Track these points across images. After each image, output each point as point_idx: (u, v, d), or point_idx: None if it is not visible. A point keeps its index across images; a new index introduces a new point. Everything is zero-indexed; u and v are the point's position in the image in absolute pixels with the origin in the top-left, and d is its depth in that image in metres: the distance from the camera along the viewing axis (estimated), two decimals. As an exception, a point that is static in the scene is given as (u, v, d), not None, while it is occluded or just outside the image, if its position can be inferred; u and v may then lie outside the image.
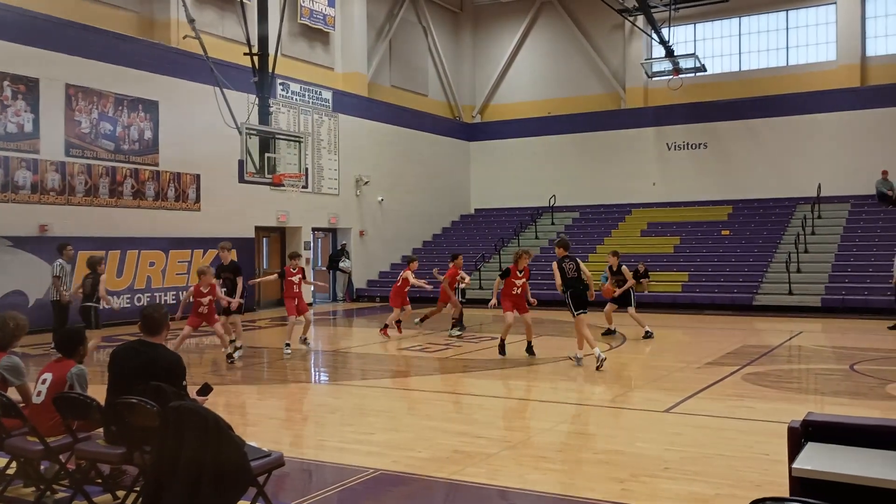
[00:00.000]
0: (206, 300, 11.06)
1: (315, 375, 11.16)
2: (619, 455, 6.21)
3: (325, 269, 24.17)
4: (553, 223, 26.52)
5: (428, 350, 12.78)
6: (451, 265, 15.29)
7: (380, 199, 25.09)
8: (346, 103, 23.76)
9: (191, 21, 15.71)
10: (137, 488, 4.88)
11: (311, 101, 22.51)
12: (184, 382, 4.89)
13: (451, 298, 14.94)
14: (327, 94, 23.12)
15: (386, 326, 14.43)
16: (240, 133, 15.16)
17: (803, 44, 25.01)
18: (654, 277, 21.12)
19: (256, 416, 8.21)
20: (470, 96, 30.13)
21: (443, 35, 29.14)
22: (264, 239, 22.00)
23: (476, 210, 29.51)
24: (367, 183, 24.42)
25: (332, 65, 24.44)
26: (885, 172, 22.47)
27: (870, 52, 23.97)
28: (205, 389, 5.04)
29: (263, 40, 16.14)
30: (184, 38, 17.20)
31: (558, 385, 9.83)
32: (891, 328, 14.73)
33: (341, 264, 23.46)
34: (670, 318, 17.94)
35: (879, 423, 3.45)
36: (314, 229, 23.26)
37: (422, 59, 28.28)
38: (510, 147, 28.54)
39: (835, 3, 24.17)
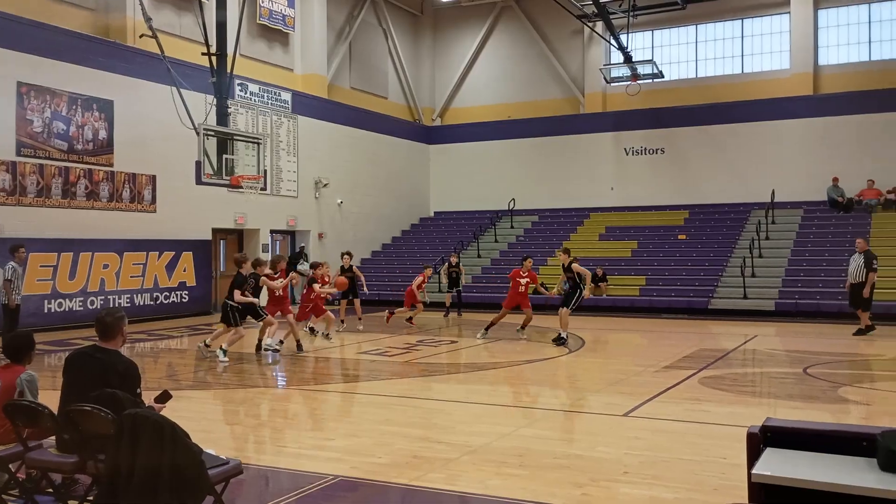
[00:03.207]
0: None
1: (274, 380, 11.03)
2: (579, 460, 6.24)
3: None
4: (512, 226, 26.64)
5: (388, 354, 12.71)
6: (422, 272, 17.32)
7: (339, 201, 24.95)
8: (305, 105, 23.59)
9: (147, 20, 15.44)
10: (90, 498, 4.76)
11: (269, 102, 22.29)
12: (139, 390, 4.78)
13: (418, 300, 16.77)
14: (286, 96, 22.92)
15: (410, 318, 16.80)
16: (197, 134, 14.93)
17: (758, 52, 25.50)
18: (612, 281, 21.34)
19: (214, 423, 8.08)
20: (430, 99, 30.14)
21: (403, 37, 29.11)
22: (221, 241, 21.71)
23: (436, 213, 29.50)
24: (326, 185, 24.26)
25: (292, 66, 24.24)
26: (835, 179, 23.00)
27: (822, 61, 24.53)
28: (163, 397, 4.94)
29: (221, 40, 15.94)
30: (140, 37, 16.89)
31: (519, 389, 9.86)
32: (855, 334, 14.93)
33: (300, 267, 23.23)
34: (628, 321, 18.13)
35: (837, 429, 3.50)
36: (272, 231, 23.03)
37: (382, 62, 28.21)
38: (470, 150, 28.60)
39: (788, 12, 24.69)
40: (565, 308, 13.56)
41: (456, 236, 26.48)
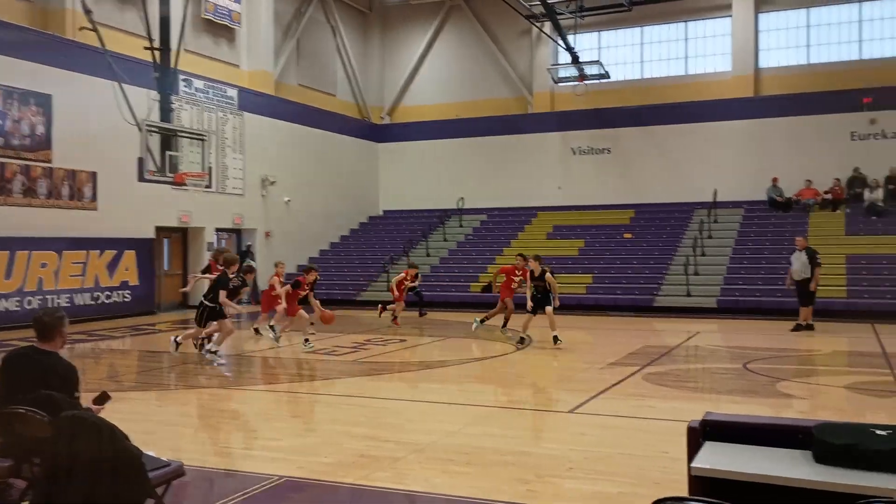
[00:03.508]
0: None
1: (219, 380, 10.86)
2: (525, 456, 6.28)
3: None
4: (461, 225, 26.71)
5: (336, 353, 12.63)
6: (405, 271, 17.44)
7: (286, 199, 24.69)
8: (251, 101, 23.28)
9: (87, 12, 15.07)
10: (25, 503, 4.62)
11: (215, 98, 21.94)
12: (77, 393, 4.66)
13: (399, 298, 16.99)
14: (232, 92, 22.59)
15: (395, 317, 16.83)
16: (140, 130, 14.64)
17: (701, 54, 26.01)
18: (559, 279, 21.38)
19: (156, 424, 7.92)
20: (379, 97, 30.02)
21: (351, 35, 28.94)
22: (165, 240, 21.28)
23: (384, 212, 29.41)
24: (273, 183, 23.99)
25: (238, 62, 23.90)
26: (775, 179, 23.59)
27: (762, 64, 25.13)
28: (101, 398, 4.82)
29: (165, 35, 15.64)
30: (80, 29, 16.48)
31: (467, 387, 9.88)
32: (793, 330, 15.36)
33: (250, 262, 22.95)
34: (575, 319, 18.31)
35: (773, 423, 3.59)
36: (218, 230, 22.67)
37: (330, 59, 28.00)
38: (419, 149, 28.58)
39: (730, 16, 25.24)
40: (550, 307, 13.12)
41: (405, 235, 26.43)
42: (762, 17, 25.08)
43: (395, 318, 16.98)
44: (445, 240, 25.79)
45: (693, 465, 3.15)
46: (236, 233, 23.64)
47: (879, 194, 22.21)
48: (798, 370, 11.28)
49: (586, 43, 26.50)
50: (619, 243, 23.42)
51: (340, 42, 28.22)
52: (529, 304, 13.22)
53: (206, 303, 11.65)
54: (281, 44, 25.34)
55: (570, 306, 20.23)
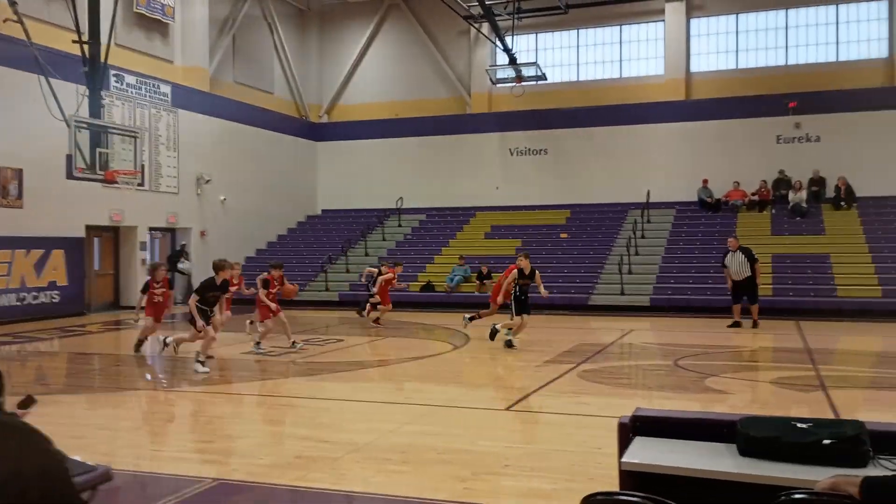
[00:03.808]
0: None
1: (151, 382, 10.63)
2: (462, 454, 6.32)
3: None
4: (400, 225, 26.69)
5: (272, 354, 12.48)
6: (391, 270, 16.89)
7: (222, 198, 24.29)
8: (186, 98, 22.83)
9: (12, 3, 14.58)
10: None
11: (148, 94, 21.45)
12: (1, 397, 4.50)
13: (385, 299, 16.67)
14: (166, 88, 22.12)
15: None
16: (68, 126, 14.22)
17: (635, 58, 26.53)
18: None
19: (85, 428, 7.70)
20: (317, 96, 29.77)
21: (289, 32, 28.62)
22: (96, 239, 20.72)
23: (323, 211, 29.19)
24: (208, 181, 23.57)
25: (172, 57, 23.40)
26: (705, 181, 24.23)
27: (693, 68, 25.77)
28: (26, 402, 4.66)
29: (95, 28, 15.22)
30: (4, 21, 15.91)
31: (404, 386, 9.89)
32: (730, 326, 15.82)
33: (180, 265, 22.49)
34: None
35: (700, 417, 3.69)
36: (151, 229, 22.17)
37: (267, 56, 27.64)
38: (358, 148, 28.46)
39: (663, 20, 25.80)
40: (527, 315, 13.12)
41: (344, 234, 26.28)
42: (693, 22, 25.72)
43: (378, 319, 16.67)
44: (384, 239, 25.74)
45: (623, 459, 3.22)
46: (170, 232, 23.17)
47: (803, 196, 23.02)
48: (726, 366, 11.60)
49: (524, 44, 26.77)
50: (555, 243, 23.73)
51: (277, 39, 27.89)
52: (500, 301, 13.34)
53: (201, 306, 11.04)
54: (216, 40, 24.91)
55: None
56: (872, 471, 2.90)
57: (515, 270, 13.12)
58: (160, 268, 13.07)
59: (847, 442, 3.04)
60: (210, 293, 10.89)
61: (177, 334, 12.12)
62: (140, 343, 12.43)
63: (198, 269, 23.36)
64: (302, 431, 7.26)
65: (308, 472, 5.85)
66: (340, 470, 5.92)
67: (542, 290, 13.40)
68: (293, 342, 12.55)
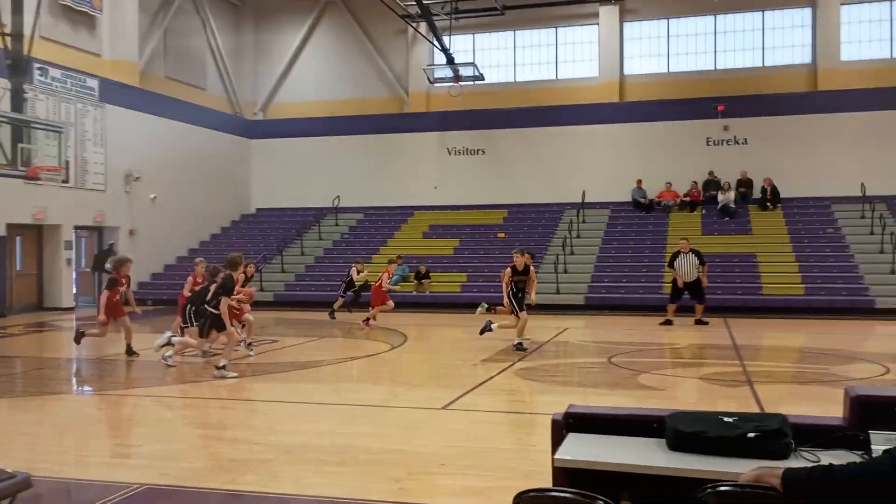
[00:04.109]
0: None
1: (77, 386, 10.29)
2: (397, 454, 6.29)
3: (89, 270, 22.44)
4: (337, 224, 26.48)
5: (203, 356, 12.21)
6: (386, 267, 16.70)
7: (152, 196, 23.71)
8: (114, 93, 22.20)
9: (-72, -9, 13.95)
10: None
11: (74, 88, 20.78)
12: None
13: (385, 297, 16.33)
14: (93, 83, 21.47)
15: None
16: (-12, 120, 13.68)
17: (570, 60, 26.87)
18: (434, 278, 21.74)
19: (6, 434, 7.41)
20: (252, 92, 29.30)
21: (223, 27, 28.09)
22: (17, 238, 19.98)
23: (258, 209, 28.76)
24: (137, 179, 22.98)
25: (99, 51, 22.72)
26: (639, 181, 24.71)
27: (627, 71, 26.25)
28: None
29: (17, 19, 14.68)
30: (-81, 9, 15.25)
31: (339, 387, 9.80)
32: (662, 324, 16.17)
33: (107, 266, 21.82)
34: (449, 317, 18.55)
35: (631, 413, 3.74)
36: (77, 228, 21.50)
37: (200, 51, 27.09)
38: (294, 146, 28.12)
39: (597, 23, 26.20)
40: (524, 312, 12.62)
41: (279, 233, 25.95)
42: (627, 25, 26.18)
43: (368, 320, 16.13)
44: (321, 238, 25.50)
45: (556, 456, 3.24)
46: (98, 231, 22.51)
47: (731, 196, 23.67)
48: (657, 363, 11.84)
49: (461, 45, 26.84)
50: (492, 243, 23.87)
51: (211, 34, 27.36)
52: (506, 301, 12.61)
53: (210, 310, 10.48)
54: (147, 34, 24.29)
55: (444, 304, 20.51)
56: (794, 462, 2.97)
57: (510, 268, 12.73)
58: (126, 263, 12.14)
59: (770, 435, 3.12)
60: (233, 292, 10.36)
61: (183, 338, 11.53)
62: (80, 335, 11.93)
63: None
64: (234, 434, 7.12)
65: (240, 475, 5.74)
66: (273, 472, 5.82)
67: (532, 294, 12.95)
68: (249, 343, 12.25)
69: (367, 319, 16.08)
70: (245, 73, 29.12)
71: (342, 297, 19.11)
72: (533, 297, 13.02)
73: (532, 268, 13.02)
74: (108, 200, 22.03)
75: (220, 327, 10.35)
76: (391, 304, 16.57)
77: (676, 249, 16.95)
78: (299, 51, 28.86)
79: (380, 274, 16.84)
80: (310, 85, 28.76)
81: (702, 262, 16.50)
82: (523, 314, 12.58)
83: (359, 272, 18.89)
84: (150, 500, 5.32)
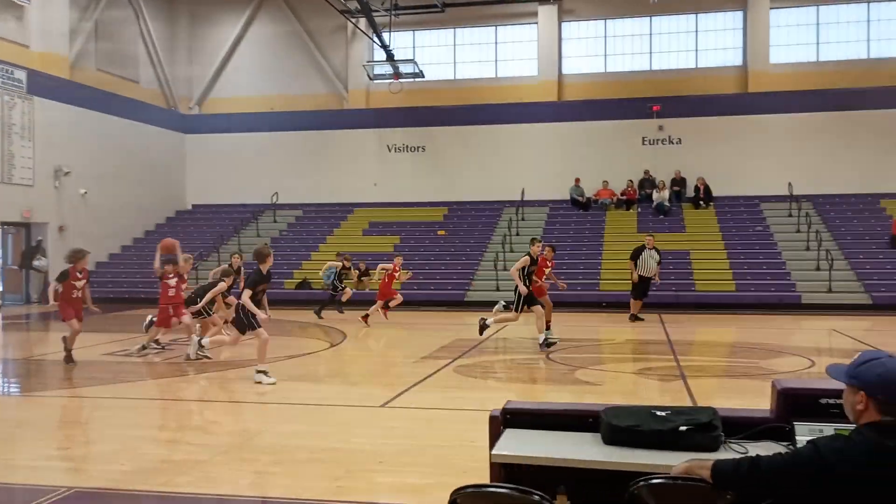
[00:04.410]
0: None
1: (2, 387, 9.94)
2: (335, 453, 6.25)
3: (17, 268, 21.70)
4: (275, 221, 26.17)
5: (135, 355, 11.93)
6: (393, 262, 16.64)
7: (83, 191, 23.02)
8: (43, 85, 21.49)
9: None
10: None
11: (0, 80, 20.04)
12: None
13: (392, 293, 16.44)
14: (20, 74, 20.74)
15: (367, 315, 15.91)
16: None
17: (510, 58, 27.06)
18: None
19: (-76, 439, 7.12)
20: (187, 87, 28.69)
21: (156, 19, 27.42)
22: (-61, 234, 19.22)
23: (193, 206, 28.19)
24: (67, 174, 22.28)
25: (27, 42, 21.95)
26: (577, 180, 25.04)
27: (565, 70, 26.55)
28: None
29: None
30: None
31: (277, 385, 9.68)
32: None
33: (35, 263, 21.18)
34: (389, 314, 18.47)
35: (567, 408, 3.79)
36: (3, 224, 20.77)
37: (133, 44, 26.39)
38: (231, 142, 27.64)
39: (536, 23, 26.44)
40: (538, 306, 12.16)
41: (216, 230, 25.50)
42: (565, 25, 26.49)
43: (366, 315, 15.93)
44: (259, 235, 25.15)
45: (493, 452, 3.26)
46: (25, 227, 21.76)
47: (666, 195, 24.18)
48: (594, 358, 12.03)
49: (401, 41, 26.76)
50: (433, 240, 23.90)
51: (144, 26, 26.68)
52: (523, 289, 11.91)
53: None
54: (77, 24, 23.56)
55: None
56: (723, 454, 3.06)
57: (527, 257, 12.21)
58: (84, 255, 11.21)
59: (701, 428, 3.20)
60: (260, 286, 9.81)
61: (216, 336, 11.25)
62: (69, 355, 11.02)
63: (56, 266, 22.12)
64: (166, 435, 6.97)
65: (174, 476, 5.62)
66: (208, 473, 5.72)
67: (551, 280, 13.07)
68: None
69: (367, 315, 15.99)
70: (180, 66, 28.48)
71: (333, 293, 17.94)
72: (546, 284, 13.20)
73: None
74: (36, 196, 21.32)
75: (251, 325, 9.65)
76: (399, 297, 16.66)
77: (641, 244, 17.25)
78: (236, 44, 28.38)
79: (386, 268, 16.70)
80: (247, 80, 28.31)
81: (659, 260, 16.93)
82: (538, 309, 12.15)
83: (345, 268, 18.27)
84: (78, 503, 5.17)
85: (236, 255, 15.20)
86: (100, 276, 22.93)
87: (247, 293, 9.47)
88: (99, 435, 7.06)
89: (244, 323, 9.63)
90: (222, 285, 12.16)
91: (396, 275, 16.78)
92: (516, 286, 12.12)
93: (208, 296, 11.91)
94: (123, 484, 5.47)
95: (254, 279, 9.69)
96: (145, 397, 8.98)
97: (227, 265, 12.07)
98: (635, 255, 17.01)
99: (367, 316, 16.10)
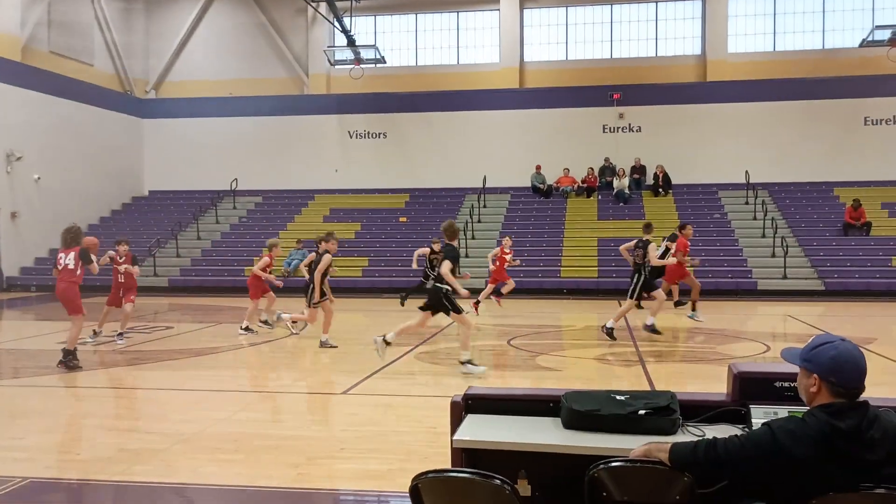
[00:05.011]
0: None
1: (-48, 377, 9.69)
2: (296, 440, 6.22)
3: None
4: (235, 207, 25.87)
5: (93, 343, 11.73)
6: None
7: (36, 177, 22.51)
8: (-7, 67, 20.92)
9: None
10: None
11: (-53, 61, 19.48)
12: None
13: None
14: (-31, 55, 20.16)
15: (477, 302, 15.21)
16: None
17: (472, 45, 27.02)
18: (336, 262, 21.44)
19: None
20: (144, 70, 28.13)
21: (112, 0, 26.79)
22: None
23: (150, 192, 27.73)
24: (19, 159, 21.76)
25: (-24, 22, 21.34)
26: (538, 167, 25.14)
27: (527, 57, 26.60)
28: None
29: None
30: None
31: (237, 374, 9.61)
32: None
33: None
34: (351, 301, 18.43)
35: (528, 393, 3.82)
36: (-47, 209, 20.24)
37: (87, 26, 25.77)
38: (189, 126, 27.21)
39: (498, 9, 26.42)
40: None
41: (173, 217, 25.12)
42: (527, 12, 26.51)
43: (477, 303, 15.31)
44: (218, 222, 24.87)
45: (455, 437, 3.27)
46: (-25, 213, 21.23)
47: (626, 182, 24.41)
48: (554, 344, 12.12)
49: (363, 27, 26.57)
50: (394, 227, 23.84)
51: (99, 7, 26.07)
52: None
53: (443, 286, 9.21)
54: (29, 5, 22.93)
55: (346, 289, 20.35)
56: (681, 437, 3.10)
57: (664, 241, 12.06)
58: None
59: (660, 412, 3.24)
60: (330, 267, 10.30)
61: (294, 314, 12.07)
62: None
63: (8, 254, 21.62)
64: (124, 424, 6.88)
65: (132, 465, 5.55)
66: (168, 462, 5.66)
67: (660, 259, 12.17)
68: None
69: (477, 302, 15.36)
70: (136, 48, 27.90)
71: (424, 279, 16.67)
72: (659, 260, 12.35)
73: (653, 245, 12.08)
74: (-14, 181, 20.79)
75: (454, 307, 9.26)
76: (512, 283, 15.99)
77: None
78: (194, 27, 27.88)
79: (497, 251, 16.04)
80: (205, 64, 27.85)
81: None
82: (660, 295, 12.24)
83: (434, 252, 16.35)
84: (34, 495, 5.07)
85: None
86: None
87: (447, 265, 9.05)
88: (54, 424, 6.93)
89: (446, 306, 9.23)
90: (328, 257, 11.41)
91: (507, 257, 16.01)
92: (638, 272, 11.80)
93: (318, 273, 11.33)
94: (80, 473, 5.38)
95: (454, 254, 9.28)
96: (102, 385, 8.84)
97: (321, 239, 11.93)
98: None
99: (477, 303, 15.43)
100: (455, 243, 9.45)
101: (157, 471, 5.45)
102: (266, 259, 13.10)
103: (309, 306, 11.53)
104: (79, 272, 9.47)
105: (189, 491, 5.16)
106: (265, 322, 13.20)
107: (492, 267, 16.11)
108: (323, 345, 11.14)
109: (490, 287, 16.08)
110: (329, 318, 11.42)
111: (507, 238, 16.65)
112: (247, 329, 12.65)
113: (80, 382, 9.05)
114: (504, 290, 16.28)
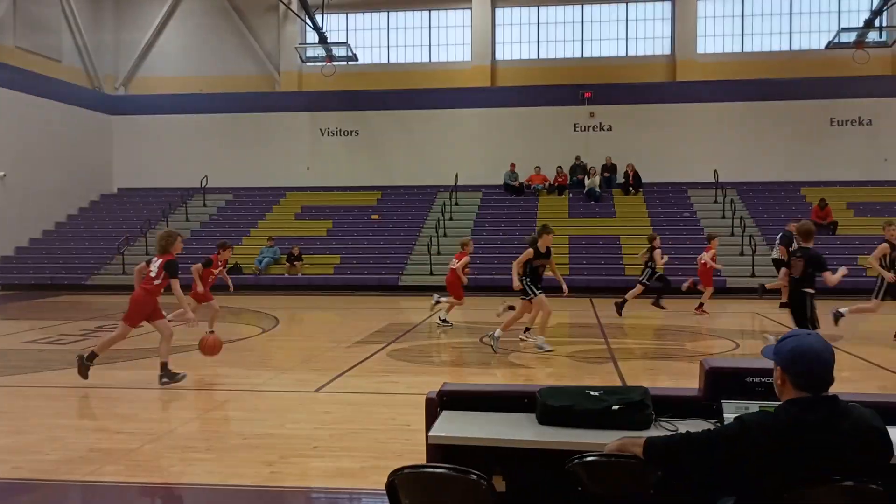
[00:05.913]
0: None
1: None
2: (269, 438, 6.19)
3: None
4: (205, 205, 25.64)
5: (61, 342, 11.59)
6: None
7: (1, 174, 22.13)
8: (-44, 62, 20.53)
9: None
10: None
11: None
12: None
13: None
14: (-68, 49, 19.76)
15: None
16: None
17: (444, 43, 27.02)
18: (307, 260, 21.44)
19: None
20: (112, 66, 27.76)
21: (79, -5, 26.41)
22: None
23: (119, 189, 27.40)
24: (-16, 155, 21.39)
25: (-61, 15, 20.92)
26: (512, 165, 25.23)
27: (499, 56, 26.67)
28: None
29: None
30: None
31: (208, 371, 9.52)
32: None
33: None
34: (323, 299, 18.37)
35: (502, 389, 3.85)
36: (-85, 207, 19.83)
37: (54, 21, 25.37)
38: (158, 123, 26.90)
39: (470, 8, 26.45)
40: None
41: (143, 214, 24.84)
42: (498, 11, 26.58)
43: (700, 305, 14.92)
44: (188, 220, 24.63)
45: (430, 433, 3.28)
46: (-62, 210, 20.82)
47: (596, 181, 24.58)
48: (527, 342, 12.15)
49: (334, 24, 26.47)
50: (366, 224, 23.79)
51: (66, 3, 25.67)
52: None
53: (807, 290, 9.05)
54: (-7, -2, 22.54)
55: (317, 287, 20.30)
56: (654, 432, 3.15)
57: (531, 250, 10.95)
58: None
59: (633, 407, 3.28)
60: (537, 260, 10.78)
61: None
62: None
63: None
64: (94, 423, 6.80)
65: (102, 465, 5.49)
66: (138, 461, 5.61)
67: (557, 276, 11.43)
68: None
69: (701, 305, 15.22)
70: (105, 44, 27.51)
71: (644, 284, 15.77)
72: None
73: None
74: (-51, 177, 20.40)
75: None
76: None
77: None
78: (164, 23, 27.57)
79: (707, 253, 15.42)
80: (176, 59, 27.56)
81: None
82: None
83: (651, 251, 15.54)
84: (3, 496, 5.00)
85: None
86: (21, 261, 22.16)
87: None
88: (21, 424, 6.83)
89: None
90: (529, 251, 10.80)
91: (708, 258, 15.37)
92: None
93: (517, 265, 10.84)
94: (50, 474, 5.32)
95: (820, 261, 9.12)
96: (69, 385, 8.72)
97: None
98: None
99: (701, 305, 15.32)
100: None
101: (127, 470, 5.40)
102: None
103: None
104: (157, 282, 8.79)
105: (160, 490, 5.12)
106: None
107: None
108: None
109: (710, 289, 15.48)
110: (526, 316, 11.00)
111: (715, 238, 15.99)
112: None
113: (47, 382, 8.92)
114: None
